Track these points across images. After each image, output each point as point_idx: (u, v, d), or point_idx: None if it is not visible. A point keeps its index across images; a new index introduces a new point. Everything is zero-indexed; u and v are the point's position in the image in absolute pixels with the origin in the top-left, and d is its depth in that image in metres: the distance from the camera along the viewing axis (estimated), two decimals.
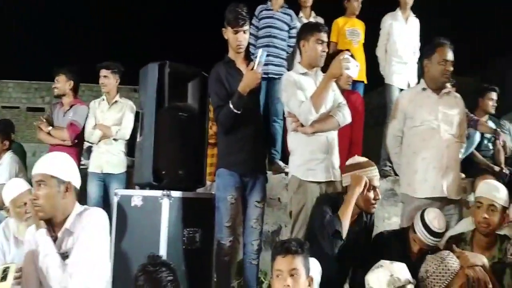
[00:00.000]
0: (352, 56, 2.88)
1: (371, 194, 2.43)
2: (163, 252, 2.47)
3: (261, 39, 4.09)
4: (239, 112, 2.62)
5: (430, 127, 2.85)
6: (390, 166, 3.94)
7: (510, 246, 1.92)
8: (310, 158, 2.67)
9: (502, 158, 4.10)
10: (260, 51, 2.68)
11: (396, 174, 3.63)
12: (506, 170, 3.97)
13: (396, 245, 2.36)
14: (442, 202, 2.82)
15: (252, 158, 2.73)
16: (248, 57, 2.91)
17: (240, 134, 2.70)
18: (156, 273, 1.62)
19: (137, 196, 2.63)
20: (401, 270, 1.89)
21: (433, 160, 2.82)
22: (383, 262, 1.93)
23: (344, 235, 2.30)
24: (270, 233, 3.82)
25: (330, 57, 2.89)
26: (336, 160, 2.76)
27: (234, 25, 2.70)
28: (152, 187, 2.65)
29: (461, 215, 2.87)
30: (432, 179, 2.81)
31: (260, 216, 2.80)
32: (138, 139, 2.82)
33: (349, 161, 2.56)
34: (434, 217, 2.30)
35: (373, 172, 2.48)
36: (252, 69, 2.63)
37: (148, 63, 2.78)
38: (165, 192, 2.56)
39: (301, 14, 4.52)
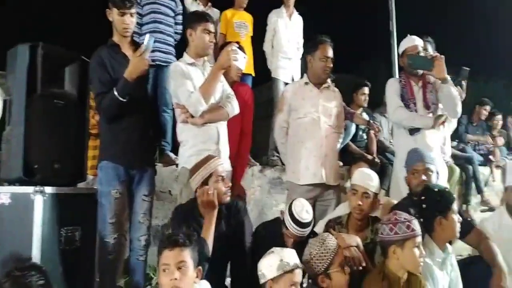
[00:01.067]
0: (240, 48, 2.91)
1: (221, 185, 2.34)
2: (36, 254, 2.25)
3: (146, 25, 3.90)
4: (124, 100, 2.47)
5: (312, 119, 3.06)
6: (277, 156, 4.10)
7: (380, 226, 2.12)
8: (200, 149, 2.63)
9: (374, 148, 4.54)
10: (147, 36, 2.56)
11: (283, 164, 3.79)
12: (377, 159, 4.40)
13: (270, 235, 2.39)
14: (322, 188, 3.05)
15: (139, 149, 2.61)
16: (135, 42, 2.75)
17: (125, 124, 2.56)
18: (24, 278, 1.44)
19: (4, 193, 2.35)
20: (290, 255, 1.95)
21: (314, 149, 3.03)
22: (274, 248, 1.98)
23: (210, 253, 2.22)
24: (160, 227, 3.71)
25: (219, 48, 2.88)
26: (226, 151, 2.77)
27: (120, 6, 2.55)
28: (22, 183, 2.38)
29: (339, 200, 3.11)
30: (313, 166, 3.02)
31: (148, 211, 2.70)
32: (6, 130, 2.51)
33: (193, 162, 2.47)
34: (301, 209, 2.36)
35: (216, 162, 2.38)
36: (140, 54, 2.50)
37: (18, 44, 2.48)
38: (37, 188, 2.32)
39: (195, 5, 4.42)
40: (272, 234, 2.43)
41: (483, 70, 9.52)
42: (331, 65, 3.08)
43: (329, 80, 3.23)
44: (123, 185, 2.55)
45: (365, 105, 4.68)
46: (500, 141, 5.55)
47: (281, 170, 4.09)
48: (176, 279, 1.72)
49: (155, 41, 3.67)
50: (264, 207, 3.91)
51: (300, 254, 2.06)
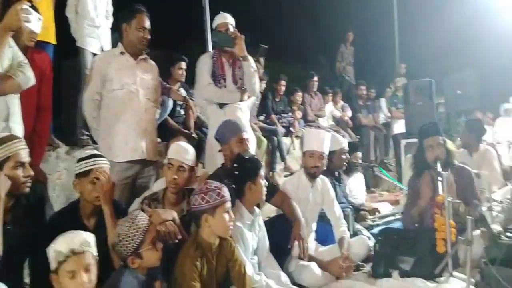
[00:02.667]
0: (33, 7, 2.49)
1: (19, 172, 2.02)
2: None
3: None
4: None
5: (130, 91, 2.92)
6: (87, 135, 3.76)
7: (192, 197, 2.15)
8: None
9: (191, 123, 4.59)
10: None
11: (94, 143, 3.50)
12: (194, 134, 4.47)
13: (67, 223, 2.12)
14: (141, 164, 2.96)
15: None
16: None
17: None
18: None
19: None
20: (62, 242, 1.70)
21: (133, 123, 2.91)
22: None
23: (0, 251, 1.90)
24: None
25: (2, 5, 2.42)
26: (18, 129, 2.38)
27: None
28: None
29: (158, 177, 3.06)
30: (132, 142, 2.90)
31: None
32: None
33: None
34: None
35: (18, 145, 2.06)
36: None
37: None
38: None
39: None
40: (68, 221, 2.19)
41: (285, 53, 10.66)
42: (148, 36, 2.98)
43: (144, 53, 3.11)
44: None
45: (183, 79, 4.68)
46: (299, 114, 6.33)
47: (92, 150, 3.77)
48: None
49: None
50: (73, 192, 3.54)
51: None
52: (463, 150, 4.48)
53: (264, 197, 2.59)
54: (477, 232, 2.65)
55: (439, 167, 2.84)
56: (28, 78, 2.35)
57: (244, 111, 3.39)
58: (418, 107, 5.73)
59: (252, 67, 3.28)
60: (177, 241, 2.13)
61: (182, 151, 2.57)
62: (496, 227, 2.69)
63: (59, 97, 4.30)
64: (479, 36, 10.05)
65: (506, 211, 3.05)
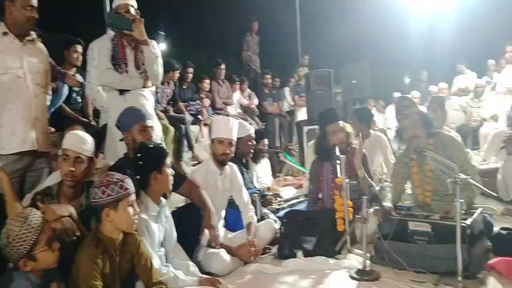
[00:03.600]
0: None
1: None
2: None
3: None
4: None
5: (16, 76, 2.69)
6: None
7: (91, 190, 2.00)
8: None
9: (90, 110, 4.31)
10: None
11: None
12: (93, 122, 4.19)
13: None
14: (32, 156, 2.74)
15: None
16: None
17: None
18: None
19: None
20: None
21: (20, 111, 2.69)
22: None
23: None
24: None
25: None
26: None
27: None
28: None
29: (51, 169, 2.83)
30: (21, 131, 2.68)
31: None
32: None
33: None
34: None
35: None
36: None
37: None
38: None
39: None
40: None
41: (191, 40, 10.51)
42: (36, 15, 2.73)
43: (34, 34, 2.83)
44: None
45: (79, 64, 4.34)
46: (207, 102, 6.28)
47: None
48: None
49: None
50: None
51: None
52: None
53: (170, 187, 2.52)
54: (371, 210, 2.88)
55: (337, 151, 3.03)
56: None
57: (148, 98, 3.25)
58: (318, 96, 6.05)
59: (154, 53, 3.14)
60: (75, 238, 1.98)
61: (79, 140, 2.41)
62: (387, 205, 2.93)
63: None
64: (373, 31, 10.89)
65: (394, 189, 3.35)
